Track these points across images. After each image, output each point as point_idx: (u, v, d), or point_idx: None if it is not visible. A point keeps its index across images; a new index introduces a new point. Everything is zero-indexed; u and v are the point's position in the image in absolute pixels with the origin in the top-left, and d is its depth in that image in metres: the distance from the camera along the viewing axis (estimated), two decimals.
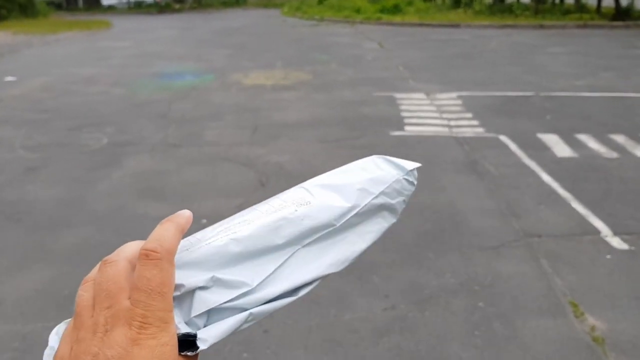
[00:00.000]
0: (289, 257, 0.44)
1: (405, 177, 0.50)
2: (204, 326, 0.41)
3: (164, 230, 0.41)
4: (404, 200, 0.50)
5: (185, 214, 0.43)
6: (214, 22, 19.61)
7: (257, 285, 0.42)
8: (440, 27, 15.76)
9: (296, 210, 0.45)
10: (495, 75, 8.67)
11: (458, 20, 16.30)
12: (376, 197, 0.48)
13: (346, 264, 0.47)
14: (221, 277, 0.41)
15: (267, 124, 6.03)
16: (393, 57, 10.61)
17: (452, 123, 6.01)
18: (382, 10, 18.56)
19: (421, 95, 7.31)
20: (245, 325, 0.42)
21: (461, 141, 5.38)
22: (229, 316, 0.41)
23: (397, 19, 17.17)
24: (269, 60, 10.31)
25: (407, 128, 5.83)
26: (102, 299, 0.38)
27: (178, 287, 0.40)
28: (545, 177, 4.41)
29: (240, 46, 12.52)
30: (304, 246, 0.45)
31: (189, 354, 0.38)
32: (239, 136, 5.55)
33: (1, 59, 11.22)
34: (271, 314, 0.43)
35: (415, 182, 0.50)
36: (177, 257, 0.41)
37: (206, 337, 0.39)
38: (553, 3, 19.55)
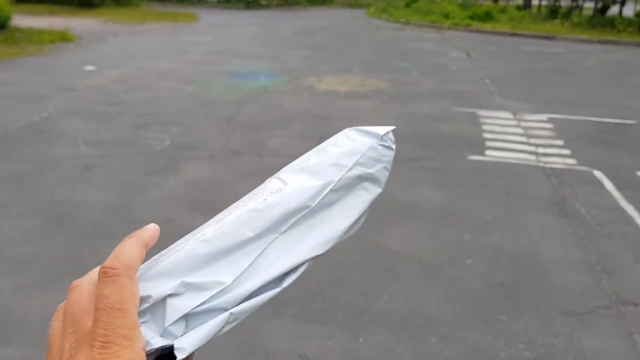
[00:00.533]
0: (266, 248, 0.42)
1: (380, 142, 0.48)
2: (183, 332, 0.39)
3: (124, 247, 0.40)
4: (384, 168, 0.48)
5: (150, 228, 0.43)
6: (297, 21, 19.49)
7: (233, 282, 0.40)
8: (534, 39, 14.81)
9: (266, 200, 0.44)
10: (592, 97, 7.88)
11: (554, 32, 15.27)
12: (350, 169, 0.46)
13: (331, 244, 0.44)
14: (192, 281, 0.40)
15: (334, 134, 5.65)
16: (480, 69, 9.96)
17: (540, 150, 5.40)
18: (472, 17, 17.73)
19: (507, 115, 6.70)
20: (228, 327, 0.40)
21: (549, 173, 4.78)
22: (208, 320, 0.39)
23: (488, 26, 16.33)
24: (346, 65, 9.95)
25: (488, 152, 5.28)
26: (68, 324, 0.38)
27: (146, 299, 0.38)
28: None
29: (319, 48, 12.23)
30: (281, 234, 0.43)
31: None
32: (303, 147, 5.19)
33: (87, 47, 11.50)
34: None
35: (394, 146, 0.49)
36: (144, 270, 0.40)
37: (183, 346, 0.38)
38: None
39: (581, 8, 20.93)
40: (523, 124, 6.35)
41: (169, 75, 8.50)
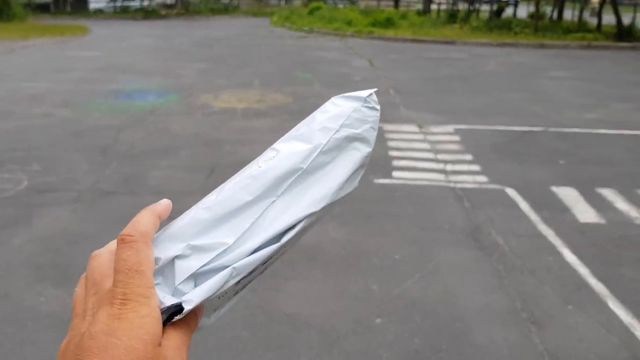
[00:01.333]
0: (265, 210, 0.44)
1: (364, 104, 0.50)
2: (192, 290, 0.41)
3: (140, 217, 0.43)
4: (371, 127, 0.50)
5: (164, 202, 0.46)
6: (197, 31, 18.62)
7: (235, 241, 0.43)
8: (435, 44, 14.87)
9: (260, 167, 0.46)
10: (497, 104, 7.73)
11: (453, 36, 15.42)
12: (337, 130, 0.48)
13: (325, 201, 0.46)
14: (197, 244, 0.42)
15: (227, 163, 5.01)
16: (383, 78, 9.65)
17: (449, 167, 5.03)
18: (374, 24, 17.65)
19: (413, 128, 6.34)
20: (232, 281, 0.42)
21: (460, 195, 4.40)
22: (215, 276, 0.41)
23: (390, 33, 16.27)
24: (246, 78, 9.32)
25: (396, 174, 4.84)
26: (90, 288, 0.41)
27: (155, 261, 0.41)
28: (569, 257, 3.43)
29: (218, 60, 11.52)
30: (279, 197, 0.45)
31: (177, 318, 0.40)
32: (190, 181, 4.54)
33: None
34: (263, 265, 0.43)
35: (378, 107, 0.51)
36: (154, 237, 0.43)
37: (191, 298, 0.40)
38: (551, 19, 18.78)
39: (478, 11, 21.52)
40: (429, 137, 6.01)
41: (43, 98, 7.50)
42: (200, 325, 0.44)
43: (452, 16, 19.72)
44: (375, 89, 0.52)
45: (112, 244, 0.43)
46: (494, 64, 11.50)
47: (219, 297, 0.43)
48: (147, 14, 27.10)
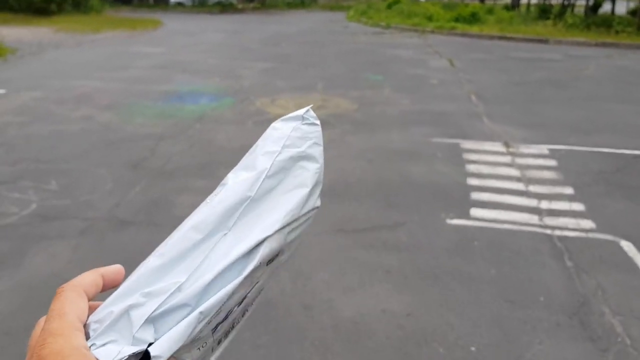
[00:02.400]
0: (217, 244, 0.43)
1: (303, 122, 0.50)
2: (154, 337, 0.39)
3: (80, 275, 0.44)
4: (314, 143, 0.50)
5: (114, 266, 0.47)
6: (269, 26, 18.06)
7: (188, 278, 0.41)
8: (525, 42, 13.47)
9: (208, 202, 0.45)
10: (600, 117, 6.50)
11: (546, 34, 13.94)
12: (280, 152, 0.48)
13: (278, 223, 0.45)
14: (150, 290, 0.41)
15: None
16: (465, 81, 8.56)
17: (544, 205, 4.00)
18: (458, 19, 16.37)
19: (498, 147, 5.31)
20: (200, 326, 0.41)
21: (560, 248, 3.38)
22: (177, 322, 0.40)
23: (474, 29, 14.97)
24: (309, 80, 8.53)
25: (475, 211, 3.87)
26: (29, 357, 0.40)
27: (108, 315, 0.40)
28: None
29: (284, 59, 10.79)
30: (230, 229, 0.44)
31: None
32: None
33: (14, 62, 9.99)
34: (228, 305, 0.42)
35: (317, 122, 0.50)
36: (112, 295, 0.42)
37: (159, 353, 0.38)
38: None
39: (573, 6, 19.66)
40: (518, 160, 4.96)
41: (90, 99, 7.03)
42: None
43: (544, 11, 18.06)
44: (310, 105, 0.52)
45: None
46: (594, 68, 10.08)
47: (199, 349, 0.42)
48: (224, 7, 26.98)
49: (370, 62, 10.42)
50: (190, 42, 13.35)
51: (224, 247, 0.43)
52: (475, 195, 4.14)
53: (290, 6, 27.83)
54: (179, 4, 29.00)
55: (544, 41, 13.35)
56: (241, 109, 6.68)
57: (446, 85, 8.30)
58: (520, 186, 4.35)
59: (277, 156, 0.47)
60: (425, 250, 3.31)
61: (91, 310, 0.42)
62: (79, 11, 20.33)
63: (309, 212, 0.48)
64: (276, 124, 0.51)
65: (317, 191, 0.49)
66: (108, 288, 0.45)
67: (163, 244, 0.44)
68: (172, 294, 0.40)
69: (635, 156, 5.11)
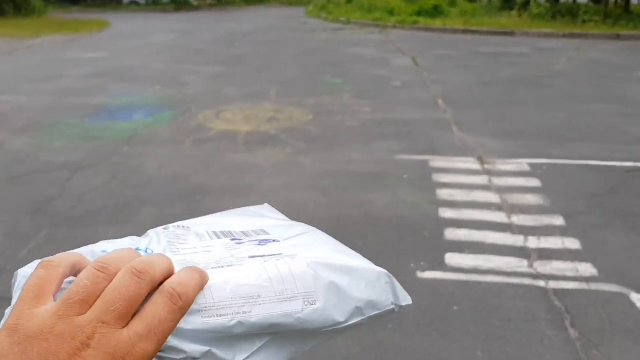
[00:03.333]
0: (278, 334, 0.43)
1: (395, 307, 0.49)
2: None
3: (191, 279, 0.40)
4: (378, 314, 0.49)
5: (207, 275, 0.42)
6: (224, 24, 17.13)
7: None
8: (491, 35, 12.90)
9: (302, 310, 0.44)
10: (580, 120, 5.89)
11: (512, 26, 13.39)
12: (364, 318, 0.47)
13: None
14: (216, 353, 0.41)
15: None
16: (430, 82, 7.88)
17: (533, 244, 3.31)
18: (420, 13, 15.72)
19: (472, 164, 4.62)
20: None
21: (559, 308, 2.69)
22: None
23: (438, 23, 14.34)
24: (262, 86, 7.73)
25: (451, 258, 3.15)
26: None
27: (177, 350, 0.40)
28: None
29: (236, 61, 9.95)
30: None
31: None
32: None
33: None
34: None
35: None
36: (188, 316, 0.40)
37: None
38: (616, 4, 16.32)
39: None
40: (496, 180, 4.28)
41: (4, 120, 6.10)
42: None
43: (507, 1, 17.57)
44: (410, 302, 0.51)
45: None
46: (565, 62, 9.52)
47: None
48: (179, 5, 25.88)
49: (329, 62, 9.66)
50: (136, 44, 12.38)
51: (281, 342, 0.44)
52: (450, 234, 3.43)
53: (248, 2, 26.86)
54: (134, 2, 27.72)
55: (510, 33, 12.80)
56: (180, 125, 5.85)
57: (410, 87, 7.61)
58: (502, 217, 3.66)
59: (361, 319, 0.48)
60: (385, 327, 2.57)
61: None
62: (20, 14, 19.03)
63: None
64: (383, 279, 0.50)
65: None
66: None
67: (254, 294, 0.44)
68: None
69: (628, 169, 4.48)
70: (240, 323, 0.41)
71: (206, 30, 15.31)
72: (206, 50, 11.42)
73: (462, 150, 4.97)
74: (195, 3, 26.66)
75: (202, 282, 0.40)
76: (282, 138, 5.37)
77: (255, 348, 0.42)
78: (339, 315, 0.45)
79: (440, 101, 6.81)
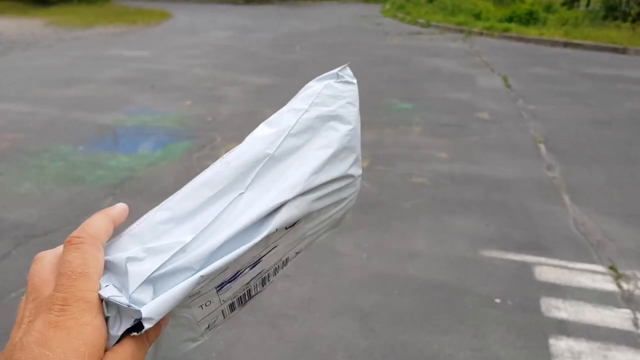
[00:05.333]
0: (230, 203, 0.39)
1: (337, 80, 0.46)
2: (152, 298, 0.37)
3: (91, 219, 0.41)
4: (348, 103, 0.46)
5: (119, 206, 0.43)
6: (290, 22, 15.76)
7: (193, 239, 0.38)
8: (597, 51, 10.82)
9: (223, 158, 0.42)
10: None
11: (623, 41, 11.23)
12: (307, 110, 0.44)
13: (300, 186, 0.41)
14: (152, 246, 0.38)
15: None
16: (527, 116, 6.14)
17: None
18: (512, 18, 13.72)
19: (602, 281, 2.96)
20: (198, 288, 0.38)
21: None
22: (175, 281, 0.37)
23: (533, 32, 12.33)
24: None
25: None
26: (29, 294, 0.38)
27: (107, 264, 0.38)
28: None
29: (291, 69, 8.52)
30: (247, 189, 0.40)
31: (135, 334, 0.36)
32: None
33: None
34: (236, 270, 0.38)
35: (354, 81, 0.47)
36: (110, 244, 0.39)
37: (152, 315, 0.36)
38: None
39: None
40: None
41: None
42: (192, 344, 0.41)
43: (612, 9, 15.23)
44: (349, 62, 0.48)
45: (59, 248, 0.40)
46: None
47: (201, 307, 0.39)
48: None
49: (399, 77, 8.04)
50: (187, 42, 11.19)
51: (238, 208, 0.39)
52: None
53: None
54: None
55: (622, 51, 10.68)
56: (192, 165, 4.46)
57: (501, 122, 5.90)
58: None
59: (303, 114, 0.44)
60: None
61: None
62: (83, 1, 18.43)
63: (339, 179, 0.43)
64: (310, 83, 0.47)
65: (350, 158, 0.45)
66: (117, 226, 0.42)
67: (171, 197, 0.41)
68: (174, 254, 0.37)
69: None
70: (163, 210, 0.40)
71: (268, 28, 13.99)
72: (260, 53, 10.05)
73: (582, 246, 3.30)
74: None
75: (105, 215, 0.41)
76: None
77: (217, 212, 0.39)
78: (271, 129, 0.43)
79: (542, 147, 5.09)
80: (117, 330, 0.35)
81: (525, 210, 3.79)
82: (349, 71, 0.48)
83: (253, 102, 6.54)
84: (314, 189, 0.42)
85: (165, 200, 0.41)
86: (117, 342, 0.36)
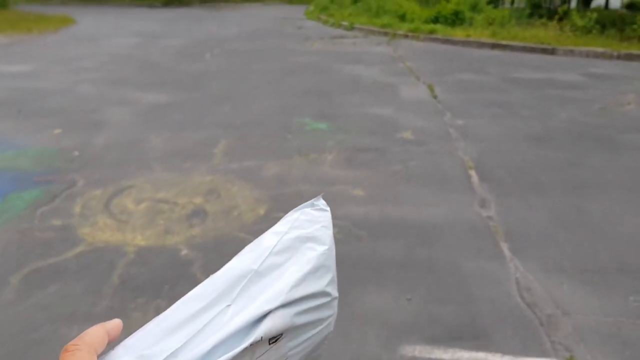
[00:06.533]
0: (218, 314, 0.43)
1: (312, 208, 0.52)
2: None
3: (88, 330, 0.43)
4: (323, 227, 0.51)
5: (114, 321, 0.46)
6: (204, 26, 14.65)
7: (184, 344, 0.41)
8: (526, 52, 10.37)
9: (215, 274, 0.46)
10: None
11: (551, 40, 10.83)
12: (286, 233, 0.49)
13: (281, 297, 0.45)
14: (145, 353, 0.41)
15: None
16: (456, 134, 5.41)
17: None
18: (437, 19, 13.17)
19: None
20: None
21: None
22: None
23: (459, 34, 11.79)
24: (209, 132, 5.29)
25: None
26: None
27: None
28: None
29: (194, 83, 7.49)
30: (234, 301, 0.44)
31: None
32: None
33: None
34: None
35: (327, 208, 0.53)
36: (105, 355, 0.42)
37: None
38: None
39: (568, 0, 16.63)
40: None
41: None
42: None
43: (537, 6, 15.00)
44: (322, 193, 0.55)
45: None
46: (636, 99, 7.01)
47: None
48: (169, 0, 23.38)
49: (316, 90, 7.18)
50: (82, 52, 9.92)
51: (226, 317, 0.42)
52: None
53: None
54: None
55: (551, 51, 10.26)
56: (30, 228, 3.39)
57: (427, 142, 5.13)
58: None
59: (283, 235, 0.48)
60: None
61: None
62: None
63: (317, 295, 0.47)
64: (289, 212, 0.52)
65: (327, 276, 0.49)
66: (111, 341, 0.45)
67: (167, 310, 0.44)
68: (166, 358, 0.40)
69: None
70: (160, 319, 0.43)
71: (179, 34, 12.85)
72: (163, 64, 8.95)
73: (530, 327, 2.52)
74: None
75: (102, 327, 0.44)
76: (193, 272, 2.91)
77: (205, 322, 0.43)
78: (256, 250, 0.48)
79: (474, 175, 4.34)
80: None
81: (456, 271, 2.98)
82: (322, 201, 0.52)
83: (138, 126, 5.49)
84: (294, 302, 0.45)
85: (161, 313, 0.43)
86: None
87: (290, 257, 0.47)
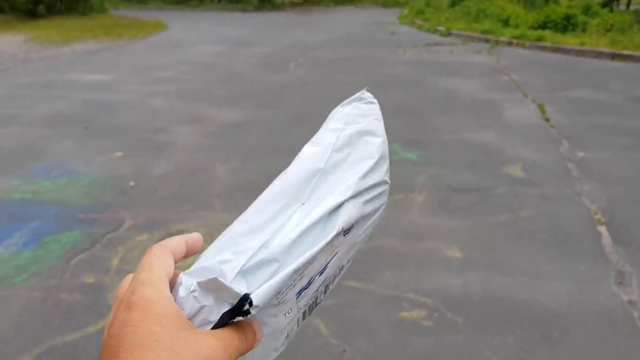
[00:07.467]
0: (296, 211, 0.45)
1: (361, 102, 0.54)
2: (247, 289, 0.41)
3: (167, 238, 0.47)
4: (374, 119, 0.53)
5: (194, 235, 0.49)
6: (292, 32, 14.16)
7: (272, 236, 0.43)
8: None
9: (281, 177, 0.48)
10: None
11: None
12: (343, 129, 0.51)
13: (352, 189, 0.47)
14: (238, 249, 0.42)
15: None
16: (575, 172, 4.42)
17: None
18: (545, 24, 11.87)
19: None
20: (289, 283, 0.42)
21: None
22: (267, 276, 0.41)
23: (572, 41, 10.48)
24: (281, 161, 4.63)
25: None
26: (115, 302, 0.44)
27: (202, 269, 0.42)
28: None
29: (273, 98, 6.91)
30: (307, 199, 0.45)
31: (240, 319, 0.41)
32: None
33: None
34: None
35: (374, 100, 0.55)
36: (199, 257, 0.45)
37: (258, 303, 0.40)
38: None
39: None
40: None
41: None
42: (275, 354, 0.46)
43: None
44: (366, 87, 0.56)
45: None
46: None
47: (285, 315, 0.44)
48: (261, 3, 23.28)
49: (405, 108, 6.36)
50: (164, 61, 9.67)
51: (304, 212, 0.44)
52: None
53: (337, 2, 23.74)
54: None
55: None
56: (57, 286, 2.87)
57: (541, 182, 4.19)
58: None
59: (341, 132, 0.50)
60: None
61: (173, 279, 0.43)
62: (75, 12, 17.11)
63: (379, 184, 0.50)
64: (337, 108, 0.54)
65: (384, 165, 0.51)
66: (190, 254, 0.48)
67: (246, 211, 0.46)
68: (259, 249, 0.42)
69: None
70: (241, 223, 0.45)
71: (266, 40, 12.42)
72: (244, 74, 8.46)
73: None
74: (279, 1, 23.96)
75: (181, 237, 0.47)
76: None
77: (287, 217, 0.44)
78: (318, 148, 0.50)
79: (605, 235, 3.38)
80: (217, 315, 0.40)
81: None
82: (368, 94, 0.55)
83: (205, 150, 4.95)
84: (362, 192, 0.48)
85: (242, 215, 0.45)
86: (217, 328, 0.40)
87: (351, 152, 0.49)
